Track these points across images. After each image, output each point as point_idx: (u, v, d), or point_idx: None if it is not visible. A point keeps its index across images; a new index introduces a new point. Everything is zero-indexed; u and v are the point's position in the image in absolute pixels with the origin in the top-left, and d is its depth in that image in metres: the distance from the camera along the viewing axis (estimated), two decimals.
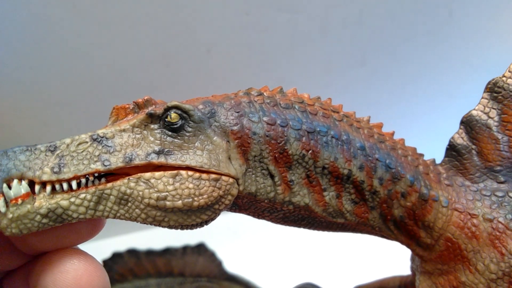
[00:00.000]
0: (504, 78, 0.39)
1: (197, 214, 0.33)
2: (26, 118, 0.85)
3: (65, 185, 0.30)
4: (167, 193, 0.32)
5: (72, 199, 0.30)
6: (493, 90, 0.40)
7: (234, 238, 1.06)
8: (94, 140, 0.31)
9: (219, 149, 0.34)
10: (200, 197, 0.32)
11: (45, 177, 0.29)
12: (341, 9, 0.98)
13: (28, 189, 0.29)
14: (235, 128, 0.35)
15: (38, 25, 0.82)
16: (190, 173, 0.32)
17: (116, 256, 0.82)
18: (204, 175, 0.33)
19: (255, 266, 0.83)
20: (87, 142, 0.31)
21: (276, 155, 0.36)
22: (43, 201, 0.29)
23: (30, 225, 0.29)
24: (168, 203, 0.32)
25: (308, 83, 1.00)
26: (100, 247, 1.03)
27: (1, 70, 0.83)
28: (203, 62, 0.94)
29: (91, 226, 0.32)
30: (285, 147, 0.35)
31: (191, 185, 0.32)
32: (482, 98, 0.40)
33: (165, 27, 0.89)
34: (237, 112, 0.35)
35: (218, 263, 0.85)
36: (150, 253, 0.84)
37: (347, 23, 1.00)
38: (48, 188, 0.29)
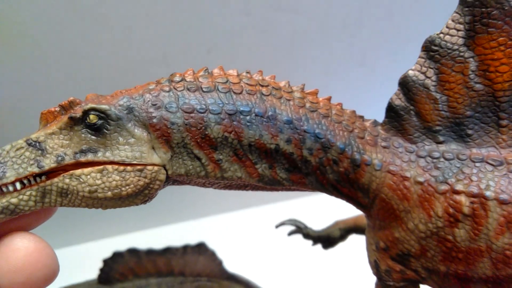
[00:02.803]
0: (441, 35, 0.38)
1: (129, 200, 0.37)
2: (26, 118, 0.85)
3: (10, 187, 0.34)
4: (97, 187, 0.35)
5: (20, 197, 0.34)
6: (430, 48, 0.38)
7: (234, 238, 1.06)
8: (29, 145, 0.35)
9: (141, 141, 0.36)
10: (127, 187, 0.36)
11: None
12: (341, 9, 0.98)
13: None
14: (153, 121, 0.37)
15: (38, 25, 0.82)
16: (115, 167, 0.36)
17: (116, 256, 0.82)
18: (128, 167, 0.36)
19: (255, 266, 0.83)
20: (23, 147, 0.35)
21: (198, 140, 0.37)
22: None
23: None
24: (99, 194, 0.36)
25: (308, 83, 1.00)
26: (101, 247, 1.03)
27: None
28: (203, 62, 0.93)
29: (42, 212, 0.37)
30: (206, 132, 0.37)
31: (117, 178, 0.36)
32: (419, 57, 0.38)
33: (165, 27, 0.89)
34: (155, 105, 0.37)
35: (218, 263, 0.85)
36: (150, 252, 0.84)
37: (347, 23, 1.00)
38: None
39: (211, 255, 0.86)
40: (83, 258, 1.01)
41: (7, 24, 0.81)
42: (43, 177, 0.35)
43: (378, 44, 1.02)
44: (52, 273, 0.34)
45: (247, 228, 1.10)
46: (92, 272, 0.83)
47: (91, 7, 0.83)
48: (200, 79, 0.39)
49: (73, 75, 0.88)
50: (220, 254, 0.86)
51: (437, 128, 0.39)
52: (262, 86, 0.39)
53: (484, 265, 0.37)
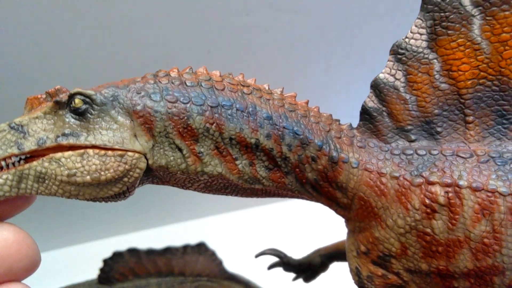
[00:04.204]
0: (407, 40, 0.40)
1: (108, 187, 0.37)
2: None
3: None
4: (76, 170, 0.35)
5: None
6: (397, 52, 0.40)
7: (234, 238, 1.06)
8: (12, 128, 0.36)
9: (123, 127, 0.37)
10: (107, 172, 0.36)
11: None
12: (341, 9, 0.98)
13: None
14: (137, 108, 0.37)
15: (37, 25, 0.82)
16: (96, 151, 0.36)
17: (116, 256, 0.82)
18: (109, 152, 0.36)
19: (255, 266, 0.83)
20: (5, 130, 0.35)
21: (180, 130, 0.38)
22: None
23: None
24: (78, 178, 0.36)
25: (308, 83, 1.00)
26: (101, 247, 1.03)
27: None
28: (203, 63, 0.93)
29: (19, 201, 0.36)
30: (188, 122, 0.38)
31: (97, 162, 0.36)
32: (388, 61, 0.41)
33: (165, 27, 0.89)
34: (139, 94, 0.38)
35: (218, 263, 0.86)
36: (150, 252, 0.84)
37: (347, 23, 1.00)
38: None
39: (211, 255, 0.86)
40: (83, 258, 1.01)
41: (7, 24, 0.81)
42: (22, 162, 0.35)
43: (378, 44, 1.02)
44: (34, 264, 0.34)
45: (247, 228, 1.10)
46: (92, 272, 0.83)
47: (91, 7, 0.84)
48: (184, 75, 0.40)
49: (73, 75, 0.88)
50: (220, 254, 0.86)
51: (409, 127, 0.41)
52: (244, 86, 0.41)
53: (464, 257, 0.37)
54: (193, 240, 0.87)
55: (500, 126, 0.39)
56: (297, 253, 0.90)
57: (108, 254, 0.82)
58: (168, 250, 0.85)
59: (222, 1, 0.90)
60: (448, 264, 0.38)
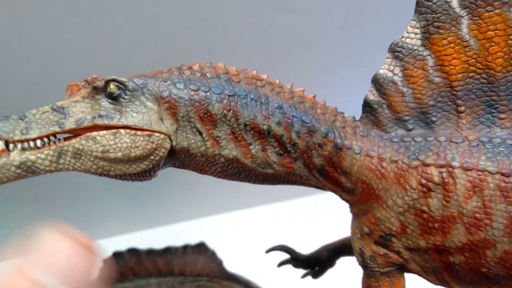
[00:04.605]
0: (403, 39, 0.44)
1: (136, 163, 0.42)
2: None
3: (32, 144, 0.39)
4: (109, 147, 0.40)
5: (38, 154, 0.39)
6: (395, 50, 0.44)
7: (234, 238, 1.06)
8: (54, 110, 0.40)
9: (151, 111, 0.42)
10: (136, 149, 0.41)
11: (16, 137, 0.38)
12: (341, 10, 0.98)
13: (3, 146, 0.38)
14: (164, 94, 0.42)
15: (37, 25, 0.82)
16: (127, 130, 0.41)
17: (116, 256, 0.82)
18: (139, 132, 0.41)
19: (255, 266, 0.83)
20: (48, 111, 0.40)
21: (201, 115, 0.43)
22: (16, 156, 0.38)
23: (8, 174, 0.38)
24: (111, 154, 0.40)
25: (308, 83, 1.00)
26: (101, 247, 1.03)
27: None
28: (203, 63, 0.93)
29: None
30: (208, 108, 0.42)
31: (128, 140, 0.41)
32: (387, 58, 0.45)
33: (165, 27, 0.90)
34: (165, 82, 0.43)
35: (218, 263, 0.86)
36: (150, 252, 0.84)
37: (347, 23, 1.00)
38: (19, 145, 0.38)
39: (211, 255, 0.86)
40: None
41: (7, 23, 0.81)
42: (62, 140, 0.40)
43: (378, 44, 1.02)
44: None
45: (247, 228, 1.10)
46: None
47: (91, 7, 0.84)
48: (205, 69, 0.45)
49: (73, 75, 0.88)
50: (220, 254, 0.86)
51: (406, 117, 0.44)
52: (257, 80, 0.45)
53: (458, 232, 0.41)
54: (193, 240, 0.87)
55: (489, 115, 0.43)
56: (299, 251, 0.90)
57: (108, 254, 0.82)
58: (168, 250, 0.85)
59: (222, 1, 0.90)
60: (444, 239, 0.41)
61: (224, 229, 1.11)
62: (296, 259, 0.70)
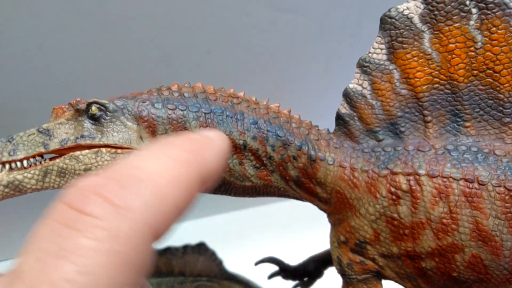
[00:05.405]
0: (370, 54, 0.47)
1: None
2: (26, 118, 0.85)
3: (19, 164, 0.41)
4: (91, 165, 0.43)
5: (25, 174, 0.41)
6: (362, 65, 0.47)
7: (234, 238, 1.06)
8: (40, 132, 0.43)
9: (131, 130, 0.44)
10: None
11: (4, 159, 0.41)
12: (340, 10, 0.98)
13: None
14: (143, 113, 0.44)
15: (37, 25, 0.82)
16: (108, 149, 0.43)
17: None
18: (119, 150, 0.43)
19: (255, 266, 0.83)
20: (34, 133, 0.42)
21: (179, 132, 0.44)
22: (4, 176, 0.41)
23: None
24: (93, 172, 0.42)
25: (308, 83, 1.00)
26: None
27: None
28: (203, 63, 0.94)
29: None
30: (185, 126, 0.44)
31: (109, 158, 0.43)
32: (355, 73, 0.47)
33: (165, 27, 0.90)
34: (144, 103, 0.45)
35: (218, 263, 0.86)
36: None
37: (347, 23, 1.00)
38: (7, 166, 0.41)
39: (211, 255, 0.86)
40: None
41: (7, 23, 0.81)
42: (47, 160, 0.42)
43: None
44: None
45: (247, 228, 1.10)
46: None
47: (90, 7, 0.84)
48: (183, 89, 0.47)
49: (73, 75, 0.88)
50: (220, 254, 0.86)
51: (376, 129, 0.46)
52: (234, 97, 0.47)
53: (427, 237, 0.42)
54: (193, 240, 0.87)
55: (454, 124, 0.45)
56: (297, 253, 0.90)
57: None
58: (168, 250, 0.85)
59: (222, 1, 0.90)
60: (415, 245, 0.43)
61: (224, 229, 1.11)
62: (284, 271, 0.72)
